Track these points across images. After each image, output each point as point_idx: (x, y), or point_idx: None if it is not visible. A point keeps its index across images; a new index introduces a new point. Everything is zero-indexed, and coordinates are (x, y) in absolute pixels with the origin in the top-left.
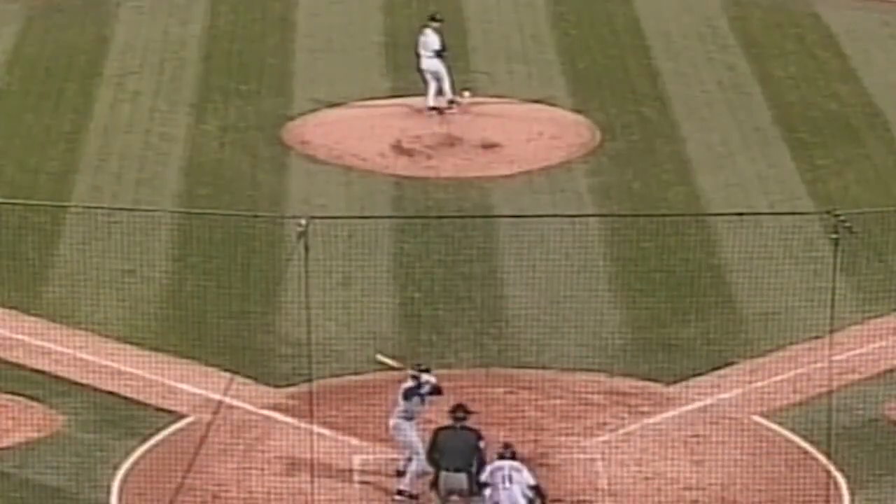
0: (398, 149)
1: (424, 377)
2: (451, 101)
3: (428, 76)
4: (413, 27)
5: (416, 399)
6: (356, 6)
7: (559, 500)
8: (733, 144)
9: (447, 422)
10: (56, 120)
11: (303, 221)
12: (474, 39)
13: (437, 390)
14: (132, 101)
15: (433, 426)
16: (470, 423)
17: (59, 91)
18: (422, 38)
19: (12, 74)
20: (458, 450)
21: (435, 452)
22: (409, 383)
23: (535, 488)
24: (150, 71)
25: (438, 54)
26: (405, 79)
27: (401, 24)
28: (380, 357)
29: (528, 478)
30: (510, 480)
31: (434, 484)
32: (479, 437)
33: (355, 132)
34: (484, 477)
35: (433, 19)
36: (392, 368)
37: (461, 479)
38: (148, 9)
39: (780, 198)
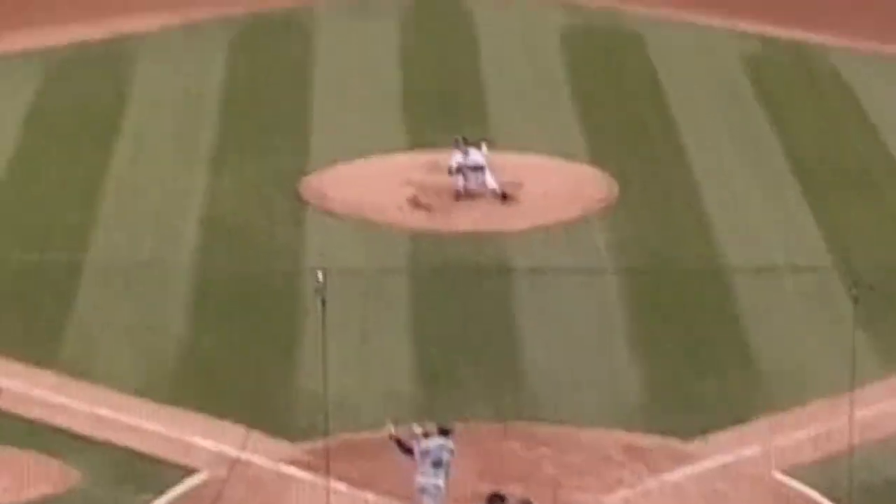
0: (415, 202)
1: (439, 440)
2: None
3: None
4: (430, 80)
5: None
6: (374, 59)
7: None
8: (751, 198)
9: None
10: (74, 175)
11: (320, 275)
12: (491, 93)
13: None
14: (150, 155)
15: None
16: None
17: (78, 145)
18: (464, 155)
19: (32, 129)
20: None
21: None
22: (422, 444)
23: None
24: (168, 125)
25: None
26: (422, 132)
27: (418, 78)
28: (416, 429)
29: None
30: None
31: None
32: None
33: (373, 186)
34: None
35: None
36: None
37: None
38: (166, 62)
39: (798, 252)
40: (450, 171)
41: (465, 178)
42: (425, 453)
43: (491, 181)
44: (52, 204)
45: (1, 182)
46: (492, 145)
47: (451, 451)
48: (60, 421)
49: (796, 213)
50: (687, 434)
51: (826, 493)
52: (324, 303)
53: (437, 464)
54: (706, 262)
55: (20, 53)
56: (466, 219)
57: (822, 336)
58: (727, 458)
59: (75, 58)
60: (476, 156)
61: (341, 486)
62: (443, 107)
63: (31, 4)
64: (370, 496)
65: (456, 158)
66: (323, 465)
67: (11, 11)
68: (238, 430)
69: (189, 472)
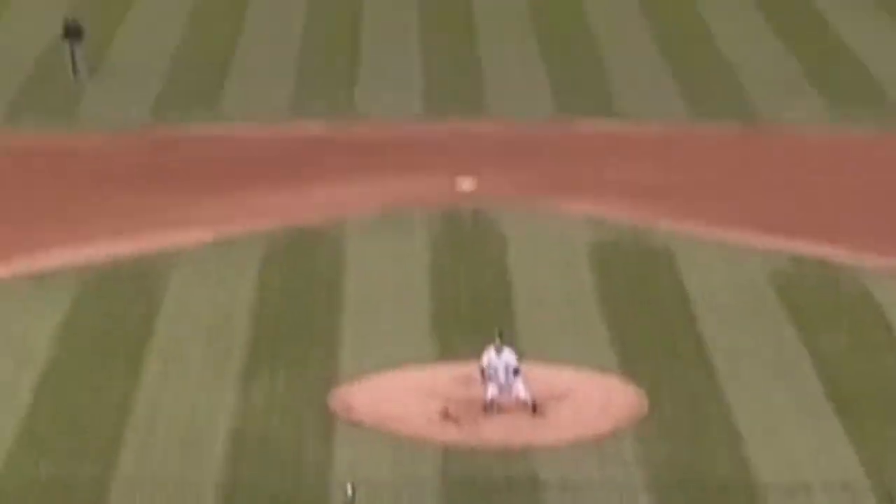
0: (445, 415)
1: None
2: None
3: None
4: (460, 294)
5: None
6: (403, 273)
7: None
8: (782, 415)
9: None
10: (104, 390)
11: (349, 489)
12: (520, 306)
13: None
14: (180, 371)
15: None
16: None
17: (108, 361)
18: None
19: (63, 345)
20: None
21: None
22: None
23: None
24: (199, 340)
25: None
26: (452, 345)
27: (448, 292)
28: None
29: None
30: None
31: None
32: None
33: (402, 398)
34: None
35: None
36: None
37: None
38: (198, 277)
39: (832, 471)
40: (481, 371)
41: (495, 382)
42: None
43: (523, 391)
44: (81, 419)
45: (31, 397)
46: (521, 358)
47: None
48: None
49: (829, 433)
50: None
51: None
52: None
53: None
54: (737, 478)
55: (53, 271)
56: (496, 432)
57: None
58: None
59: (108, 274)
60: (510, 357)
61: None
62: (472, 320)
63: (64, 222)
64: None
65: (489, 356)
66: None
67: (45, 230)
68: None
69: None
